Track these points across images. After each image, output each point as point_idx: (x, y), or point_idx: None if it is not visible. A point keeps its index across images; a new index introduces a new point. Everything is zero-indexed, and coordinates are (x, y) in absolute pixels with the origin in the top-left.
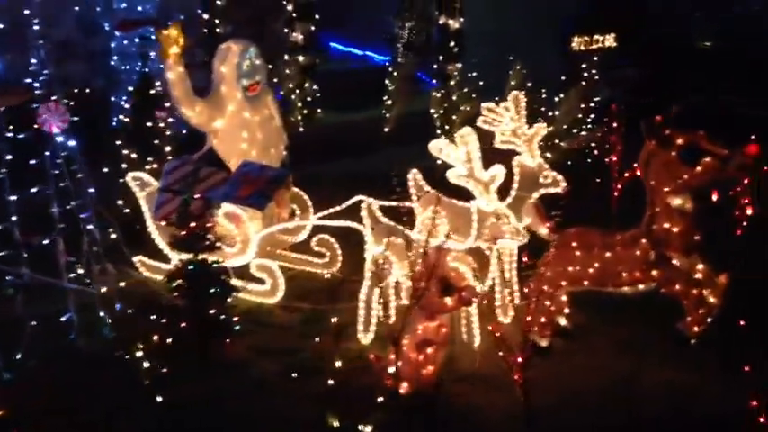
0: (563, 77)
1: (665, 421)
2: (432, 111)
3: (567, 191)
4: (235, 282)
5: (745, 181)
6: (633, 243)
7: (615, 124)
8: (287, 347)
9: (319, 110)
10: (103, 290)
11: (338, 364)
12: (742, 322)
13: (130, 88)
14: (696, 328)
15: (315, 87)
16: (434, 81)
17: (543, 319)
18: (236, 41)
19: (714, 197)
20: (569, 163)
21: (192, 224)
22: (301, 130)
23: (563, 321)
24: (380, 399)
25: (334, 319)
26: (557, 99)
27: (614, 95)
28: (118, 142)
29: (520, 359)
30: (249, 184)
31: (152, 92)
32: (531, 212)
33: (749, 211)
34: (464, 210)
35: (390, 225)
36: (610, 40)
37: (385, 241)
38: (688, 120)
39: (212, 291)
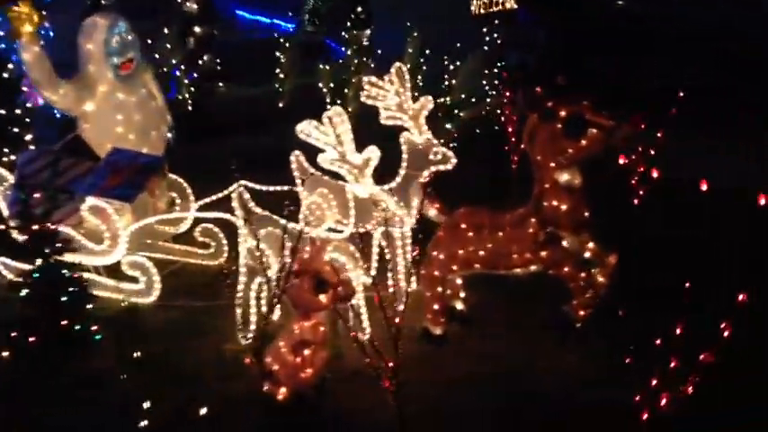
0: (458, 44)
1: (551, 411)
2: (321, 85)
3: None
4: (106, 282)
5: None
6: (522, 222)
7: (508, 93)
8: (159, 353)
9: (221, 84)
10: None
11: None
12: (620, 312)
13: None
14: (582, 312)
15: (217, 60)
16: (344, 50)
17: (435, 307)
18: (103, 15)
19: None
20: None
21: (35, 225)
22: (189, 108)
23: (459, 306)
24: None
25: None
26: (456, 67)
27: (524, 60)
28: None
29: (391, 364)
30: (117, 173)
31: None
32: (419, 193)
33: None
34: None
35: (265, 215)
36: (511, 2)
37: (261, 233)
38: (582, 88)
39: (65, 299)
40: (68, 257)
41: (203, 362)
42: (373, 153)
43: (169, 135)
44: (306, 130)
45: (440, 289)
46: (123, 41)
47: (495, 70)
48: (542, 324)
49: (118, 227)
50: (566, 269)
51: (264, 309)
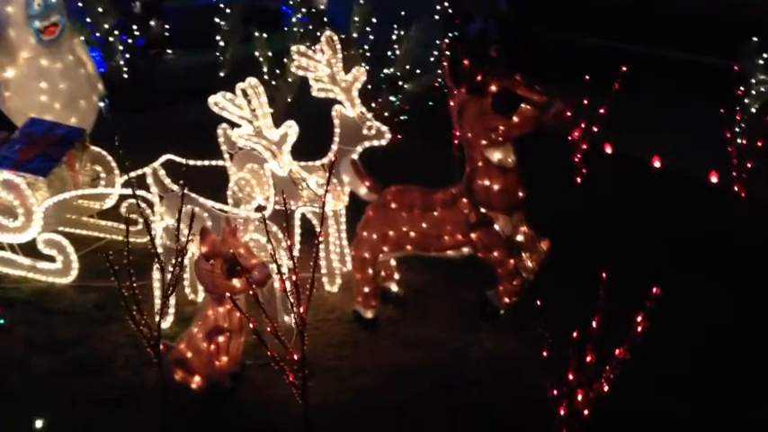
0: (403, 12)
1: (481, 400)
2: (257, 53)
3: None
4: (22, 261)
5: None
6: (454, 202)
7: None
8: (71, 339)
9: (169, 51)
10: None
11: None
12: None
13: None
14: (507, 300)
15: (165, 26)
16: (301, 15)
17: (366, 289)
18: None
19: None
20: (417, 109)
21: None
22: (125, 76)
23: (394, 288)
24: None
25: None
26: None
27: (486, 29)
28: None
29: (296, 356)
30: (32, 146)
31: None
32: (349, 170)
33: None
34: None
35: (180, 193)
36: None
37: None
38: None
39: None
40: None
41: (118, 347)
42: (291, 128)
43: (101, 104)
44: (220, 102)
45: (370, 271)
46: (46, 3)
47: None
48: (481, 309)
49: (32, 202)
50: (495, 254)
51: (188, 291)
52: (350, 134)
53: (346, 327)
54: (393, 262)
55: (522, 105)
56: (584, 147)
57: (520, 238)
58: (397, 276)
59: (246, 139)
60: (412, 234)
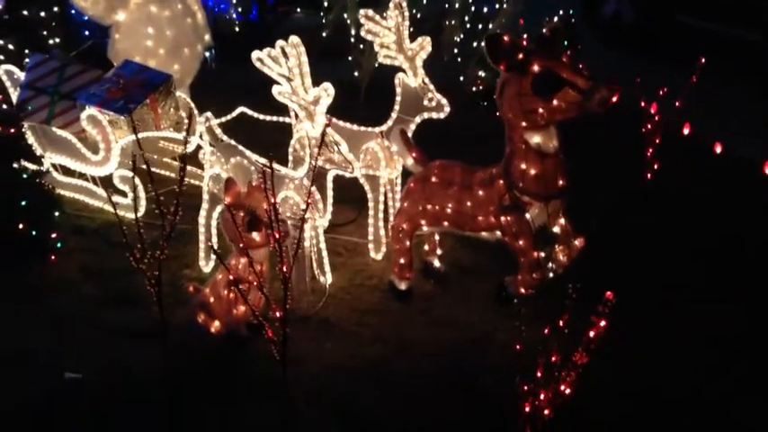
0: None
1: (492, 388)
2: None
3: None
4: (101, 192)
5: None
6: (491, 183)
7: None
8: (120, 271)
9: (298, 9)
10: None
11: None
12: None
13: None
14: (524, 290)
15: None
16: None
17: (402, 261)
18: None
19: None
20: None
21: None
22: (237, 30)
23: (436, 263)
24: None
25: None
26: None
27: (620, 9)
28: None
29: (278, 314)
30: (120, 86)
31: None
32: (398, 139)
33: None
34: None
35: (232, 145)
36: None
37: (229, 162)
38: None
39: (23, 204)
40: (70, 165)
41: (158, 284)
42: (326, 91)
43: (207, 54)
44: (261, 57)
45: (407, 243)
46: None
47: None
48: (496, 292)
49: (111, 139)
50: (521, 242)
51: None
52: (410, 104)
53: (379, 295)
54: (437, 237)
55: (565, 89)
56: (657, 141)
57: (556, 229)
58: (439, 252)
59: (281, 95)
60: (448, 210)
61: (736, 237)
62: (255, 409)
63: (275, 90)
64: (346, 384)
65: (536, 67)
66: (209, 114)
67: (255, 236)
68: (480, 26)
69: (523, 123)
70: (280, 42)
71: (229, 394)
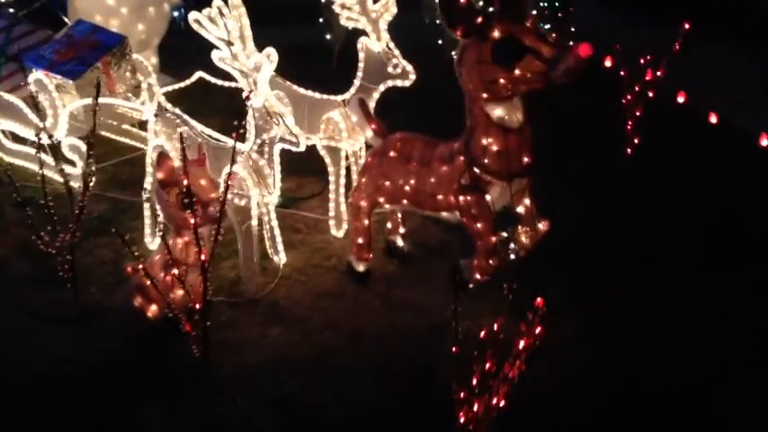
0: None
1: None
2: None
3: None
4: (48, 160)
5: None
6: (451, 159)
7: None
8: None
9: None
10: None
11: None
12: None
13: None
14: (479, 276)
15: None
16: None
17: (360, 240)
18: None
19: None
20: None
21: None
22: None
23: (399, 242)
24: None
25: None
26: None
27: None
28: None
29: (198, 305)
30: (70, 48)
31: None
32: (356, 109)
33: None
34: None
35: (176, 114)
36: None
37: (172, 132)
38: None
39: None
40: (18, 131)
41: (99, 263)
42: (269, 57)
43: (175, 14)
44: (199, 19)
45: (366, 221)
46: None
47: None
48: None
49: (57, 104)
50: (478, 225)
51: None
52: (374, 70)
53: (337, 277)
54: (399, 214)
55: (528, 57)
56: (638, 113)
57: (520, 209)
58: (402, 230)
59: (220, 60)
60: (407, 188)
61: (720, 208)
62: (184, 403)
63: (214, 55)
64: (288, 375)
65: (497, 33)
66: (152, 80)
67: (189, 215)
68: None
69: (484, 95)
70: (218, 2)
71: (157, 385)
